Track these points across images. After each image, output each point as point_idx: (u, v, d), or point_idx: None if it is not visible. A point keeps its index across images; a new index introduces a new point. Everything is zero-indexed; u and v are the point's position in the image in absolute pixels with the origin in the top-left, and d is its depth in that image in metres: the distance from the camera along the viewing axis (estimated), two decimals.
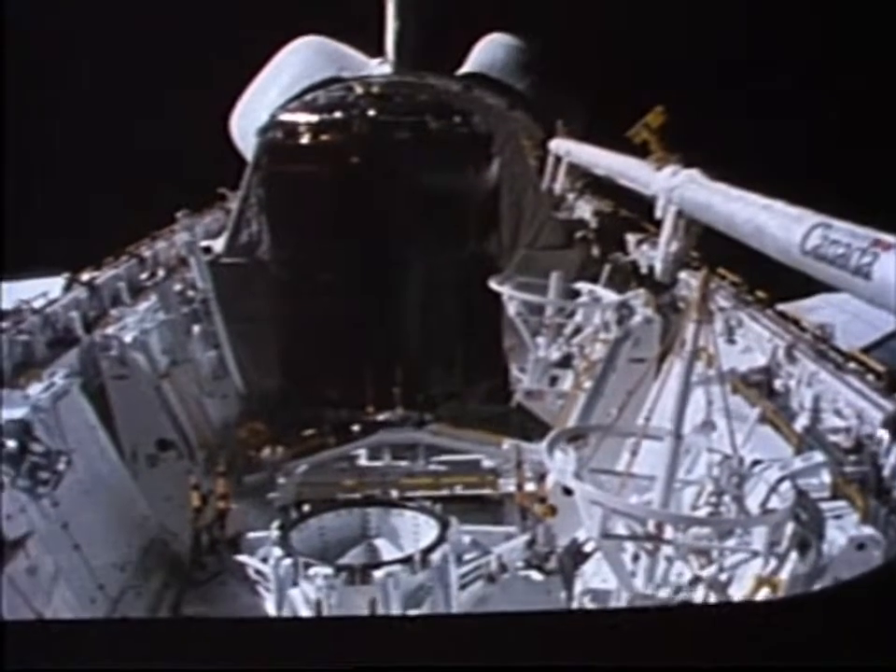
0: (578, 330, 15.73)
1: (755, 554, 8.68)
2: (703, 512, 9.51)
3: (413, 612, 10.45)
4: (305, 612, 10.47)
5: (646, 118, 16.35)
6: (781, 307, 12.96)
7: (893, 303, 8.50)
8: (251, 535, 12.36)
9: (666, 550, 9.49)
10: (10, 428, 10.26)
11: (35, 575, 9.64)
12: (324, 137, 17.58)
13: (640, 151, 16.77)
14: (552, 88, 25.76)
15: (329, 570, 10.54)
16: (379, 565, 10.89)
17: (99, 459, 12.30)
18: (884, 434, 8.82)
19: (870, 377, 9.84)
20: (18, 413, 10.51)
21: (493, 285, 15.63)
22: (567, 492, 10.20)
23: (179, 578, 12.47)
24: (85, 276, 15.18)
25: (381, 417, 16.50)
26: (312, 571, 10.59)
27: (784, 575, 8.31)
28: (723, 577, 9.11)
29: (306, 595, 10.56)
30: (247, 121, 22.38)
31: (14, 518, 9.69)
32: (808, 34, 26.57)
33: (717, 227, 13.48)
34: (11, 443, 10.13)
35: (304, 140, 17.66)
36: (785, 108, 26.66)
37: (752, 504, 9.07)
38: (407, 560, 10.88)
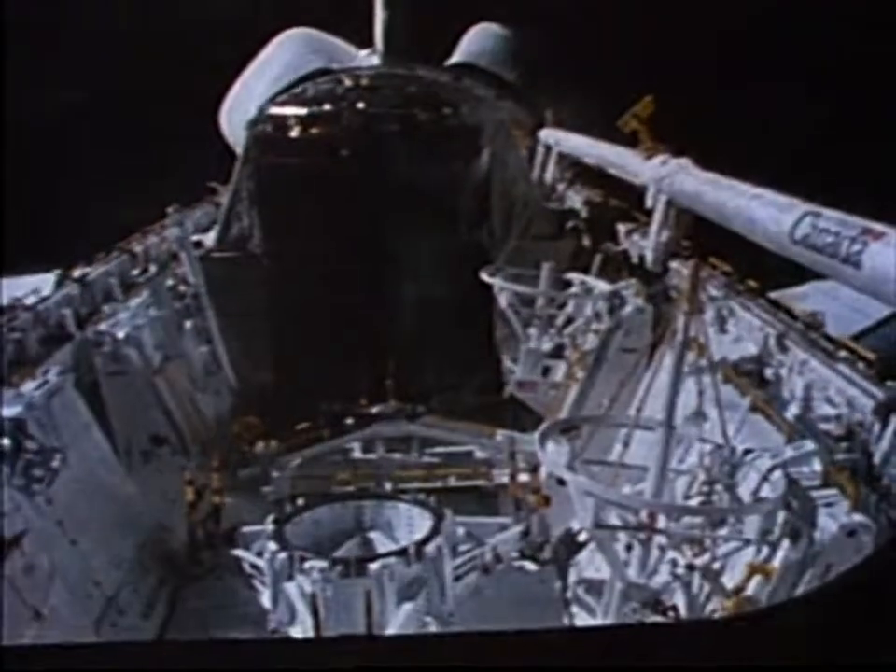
0: (569, 321, 15.77)
1: (747, 543, 8.75)
2: (695, 502, 9.57)
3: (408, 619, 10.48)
4: (301, 606, 10.51)
5: (635, 107, 16.32)
6: (772, 295, 12.99)
7: (883, 292, 8.55)
8: (246, 529, 12.38)
9: (660, 539, 9.56)
10: (4, 427, 10.27)
11: (32, 573, 9.66)
12: (313, 130, 17.57)
13: (631, 140, 16.75)
14: (542, 77, 25.72)
15: (324, 564, 10.57)
16: (374, 557, 10.92)
17: (93, 456, 12.31)
18: (874, 421, 8.88)
19: (860, 365, 9.88)
20: (11, 411, 10.52)
21: (484, 276, 15.64)
22: (561, 482, 10.24)
23: (175, 573, 12.50)
24: (76, 273, 15.14)
25: (374, 410, 16.52)
26: (307, 565, 10.61)
27: (776, 562, 8.38)
28: (716, 565, 9.18)
29: (302, 589, 10.59)
30: (237, 115, 22.34)
31: (9, 516, 9.70)
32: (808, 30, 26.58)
33: (707, 216, 13.51)
34: (5, 441, 10.15)
35: (294, 133, 17.64)
36: (781, 100, 26.67)
37: (744, 493, 9.13)
38: (402, 552, 10.90)
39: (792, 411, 10.09)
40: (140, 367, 14.11)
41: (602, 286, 15.07)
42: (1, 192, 19.53)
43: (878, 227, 8.74)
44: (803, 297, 13.45)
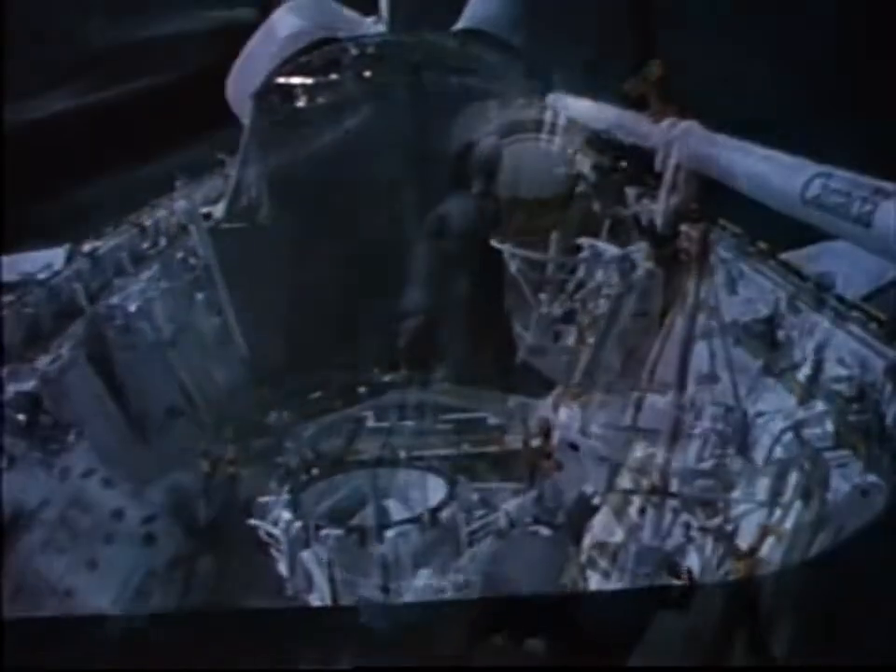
0: (580, 286, 15.72)
1: (760, 504, 8.77)
2: (707, 465, 9.59)
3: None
4: (317, 573, 10.60)
5: (643, 70, 16.15)
6: (782, 256, 12.91)
7: (893, 251, 8.50)
8: (262, 499, 12.46)
9: (673, 502, 9.58)
10: (19, 401, 10.35)
11: (49, 547, 9.76)
12: (319, 100, 17.51)
13: (638, 104, 16.59)
14: (549, 41, 25.48)
15: (339, 532, 10.65)
16: (389, 525, 11.00)
17: (108, 429, 12.40)
18: (886, 382, 8.87)
19: (872, 325, 9.84)
20: (26, 385, 10.58)
21: (494, 243, 15.60)
22: (574, 447, 10.27)
23: (192, 544, 12.60)
24: (86, 247, 15.13)
25: (386, 378, 16.57)
26: (323, 533, 10.70)
27: (789, 524, 8.40)
28: (729, 527, 9.20)
29: (318, 557, 10.67)
30: (243, 84, 22.23)
31: (26, 491, 9.79)
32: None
33: (716, 178, 13.41)
34: (21, 416, 10.22)
35: (300, 103, 17.58)
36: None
37: (757, 455, 9.15)
38: (416, 519, 10.98)
39: (804, 372, 10.06)
40: (152, 340, 14.16)
41: (612, 250, 15.00)
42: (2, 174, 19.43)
43: (890, 186, 8.68)
44: (813, 257, 13.36)
